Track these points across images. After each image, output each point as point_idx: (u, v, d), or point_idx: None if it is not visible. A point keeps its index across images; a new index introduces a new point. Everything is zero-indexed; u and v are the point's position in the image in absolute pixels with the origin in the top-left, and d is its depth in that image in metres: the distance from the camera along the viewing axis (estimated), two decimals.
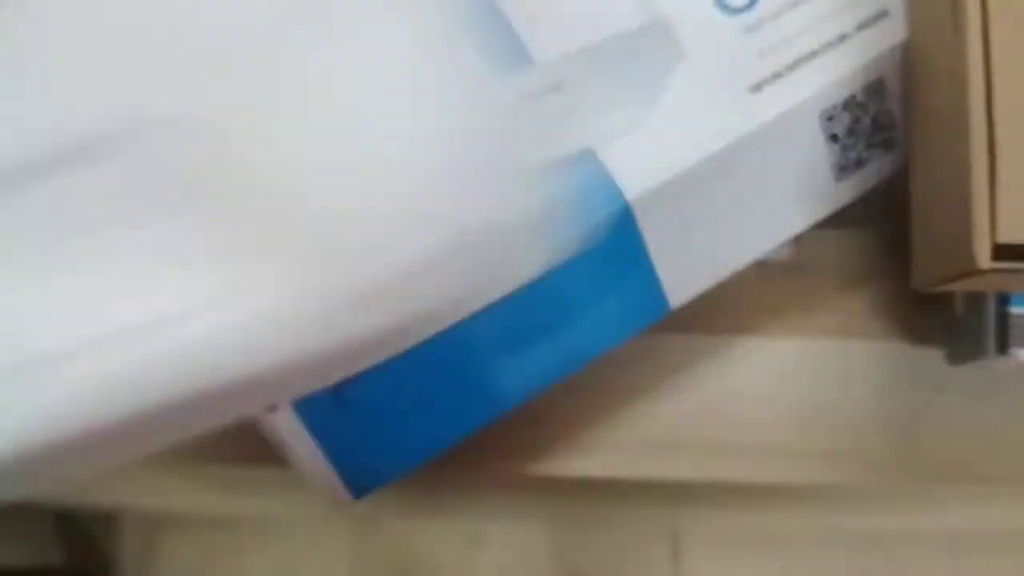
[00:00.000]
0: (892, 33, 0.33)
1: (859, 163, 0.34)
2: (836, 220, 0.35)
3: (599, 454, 0.36)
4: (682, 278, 0.33)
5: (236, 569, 0.47)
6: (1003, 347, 0.34)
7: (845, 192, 0.35)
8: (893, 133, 0.34)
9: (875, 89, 0.33)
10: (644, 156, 0.31)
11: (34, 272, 0.21)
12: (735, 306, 0.37)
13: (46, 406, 0.20)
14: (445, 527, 0.38)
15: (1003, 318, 0.34)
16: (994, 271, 0.28)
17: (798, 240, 0.35)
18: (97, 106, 0.22)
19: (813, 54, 0.33)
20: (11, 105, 0.22)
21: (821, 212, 0.35)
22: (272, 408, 0.29)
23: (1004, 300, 0.34)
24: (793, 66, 0.33)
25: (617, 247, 0.32)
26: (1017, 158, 0.27)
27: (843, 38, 0.33)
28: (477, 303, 0.27)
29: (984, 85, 0.27)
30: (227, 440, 0.37)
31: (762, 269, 0.37)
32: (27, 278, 0.21)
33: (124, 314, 0.20)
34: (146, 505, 0.40)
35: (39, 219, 0.21)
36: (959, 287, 0.31)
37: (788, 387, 0.37)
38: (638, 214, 0.31)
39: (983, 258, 0.28)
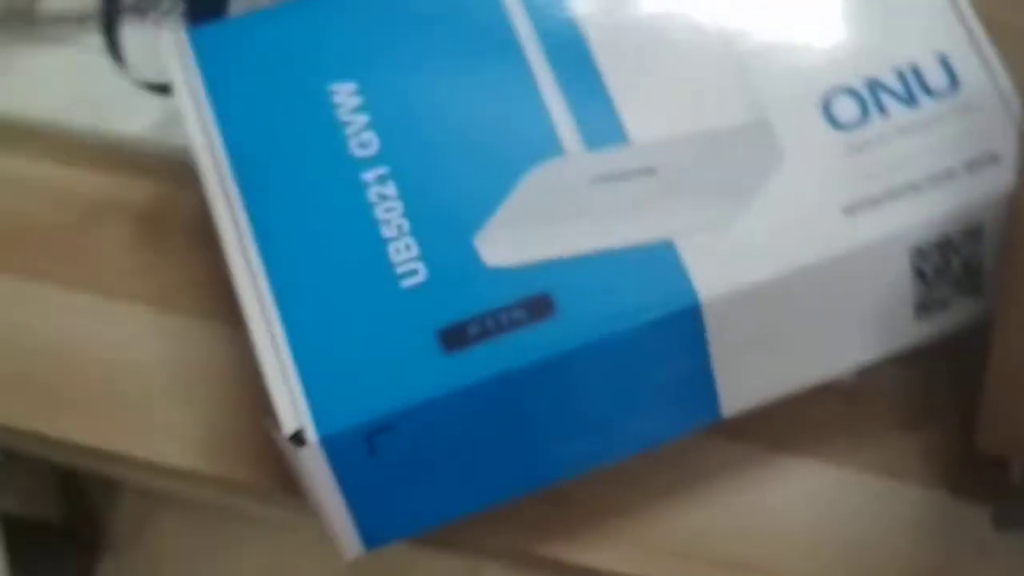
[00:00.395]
0: (999, 180, 0.32)
1: (942, 305, 0.33)
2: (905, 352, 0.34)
3: (617, 547, 0.35)
4: (740, 388, 0.32)
5: (234, 558, 0.46)
6: None
7: (922, 331, 0.33)
8: (982, 281, 0.33)
9: (972, 233, 0.32)
10: (724, 259, 0.31)
11: None
12: (785, 421, 0.36)
13: None
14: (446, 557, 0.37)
15: None
16: None
17: (863, 368, 0.34)
18: None
19: (915, 186, 0.32)
20: None
21: (894, 346, 0.33)
22: None
23: None
24: (893, 194, 0.32)
25: (680, 345, 0.31)
26: None
27: (949, 175, 0.32)
28: None
29: None
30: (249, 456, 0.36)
31: (820, 390, 0.36)
32: None
33: None
34: (149, 480, 0.39)
35: None
36: None
37: (821, 516, 0.36)
38: (707, 316, 0.30)
39: None
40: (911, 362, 0.36)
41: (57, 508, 0.77)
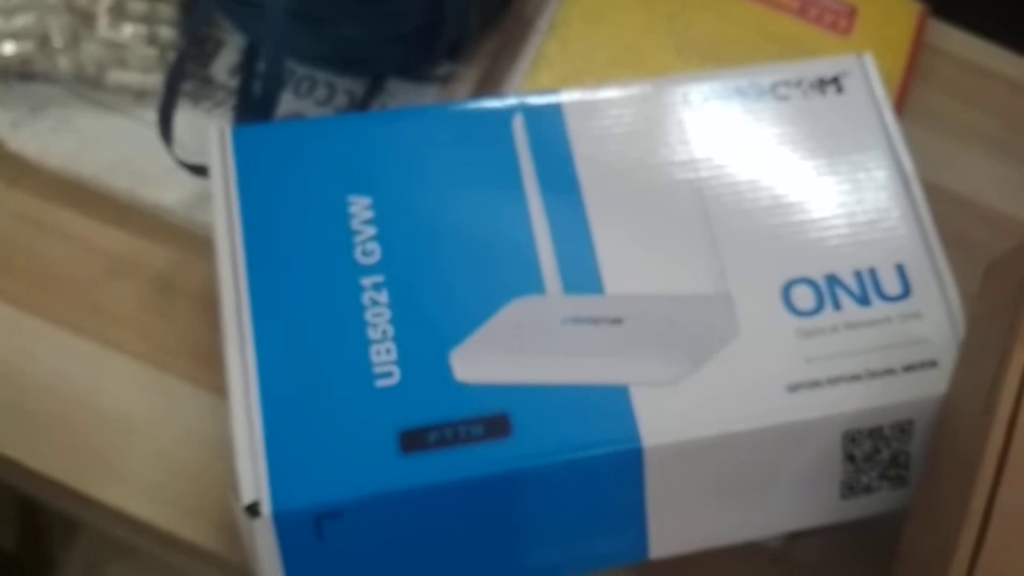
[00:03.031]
0: (935, 385, 0.35)
1: (867, 489, 0.36)
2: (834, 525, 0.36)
3: None
4: (670, 535, 0.34)
5: None
6: None
7: (847, 511, 0.36)
8: (907, 473, 0.36)
9: (902, 428, 0.35)
10: (671, 412, 0.33)
11: None
12: (712, 572, 0.38)
13: None
14: None
15: None
16: None
17: (791, 534, 0.37)
18: None
19: (855, 377, 0.35)
20: None
21: (819, 521, 0.36)
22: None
23: None
24: (834, 381, 0.34)
25: (620, 484, 0.33)
26: (1002, 553, 0.29)
27: (888, 372, 0.35)
28: None
29: (992, 478, 0.29)
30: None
31: (750, 548, 0.38)
32: None
33: None
34: (110, 527, 0.41)
35: None
36: None
37: None
38: (647, 461, 0.33)
39: None
40: (840, 535, 0.39)
41: (13, 539, 0.77)
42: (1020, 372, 0.30)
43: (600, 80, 0.44)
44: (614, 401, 0.33)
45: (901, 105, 0.46)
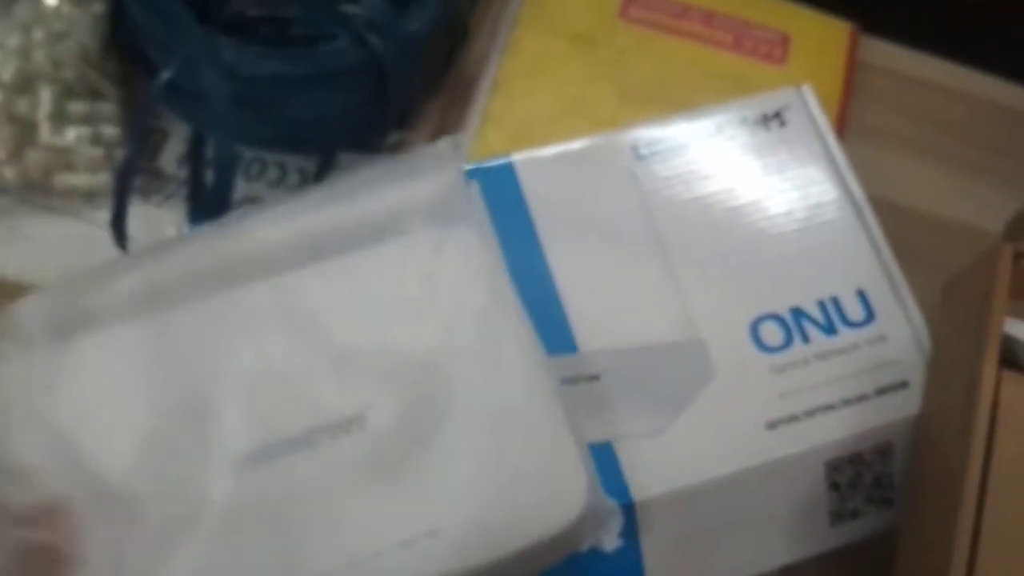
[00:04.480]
0: (909, 404, 0.36)
1: (854, 514, 0.36)
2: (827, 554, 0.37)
3: None
4: None
5: None
6: None
7: (837, 537, 0.36)
8: (892, 494, 0.36)
9: (882, 451, 0.36)
10: (657, 463, 0.34)
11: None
12: None
13: None
14: None
15: None
16: None
17: (784, 567, 0.37)
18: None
19: (831, 407, 0.35)
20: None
21: (811, 551, 0.36)
22: None
23: None
24: (810, 413, 0.35)
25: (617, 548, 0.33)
26: (996, 569, 0.29)
27: (862, 399, 0.36)
28: None
29: (977, 499, 0.29)
30: None
31: None
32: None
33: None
34: None
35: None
36: None
37: None
38: (639, 515, 0.33)
39: None
40: (833, 559, 0.39)
41: None
42: (991, 391, 0.31)
43: (548, 134, 0.45)
44: (600, 458, 0.34)
45: (842, 125, 0.47)
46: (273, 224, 0.33)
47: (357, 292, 0.32)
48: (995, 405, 0.31)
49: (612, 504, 0.32)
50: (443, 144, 0.35)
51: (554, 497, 0.30)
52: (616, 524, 0.33)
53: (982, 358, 0.32)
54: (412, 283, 0.32)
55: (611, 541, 0.33)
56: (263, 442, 0.30)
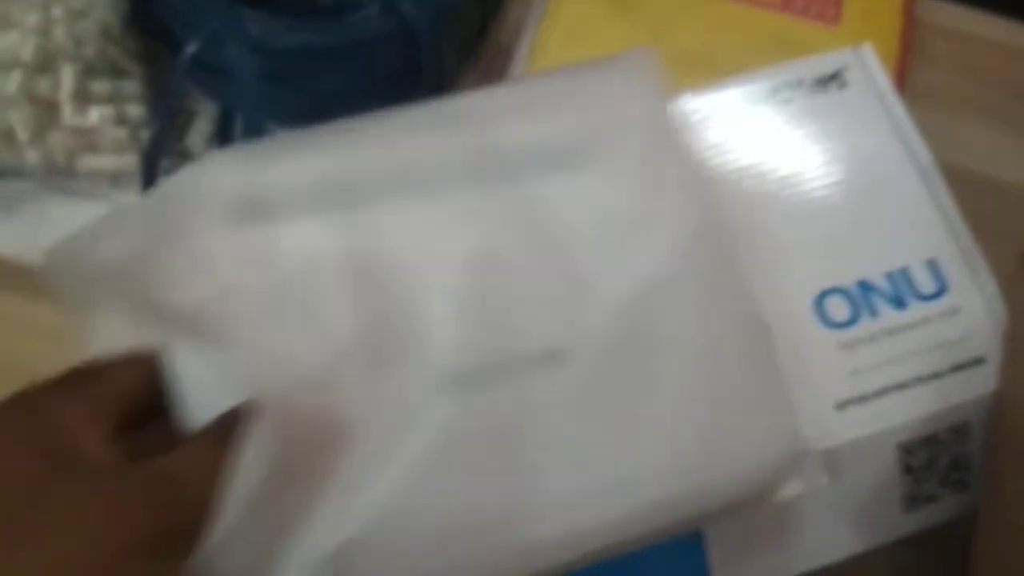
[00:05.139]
0: (985, 381, 0.33)
1: (930, 499, 0.34)
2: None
3: None
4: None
5: None
6: None
7: (911, 523, 0.34)
8: (969, 476, 0.34)
9: (958, 431, 0.33)
10: None
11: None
12: None
13: None
14: None
15: None
16: None
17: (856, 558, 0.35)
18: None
19: (903, 385, 0.33)
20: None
21: (885, 538, 0.34)
22: None
23: None
24: (881, 393, 0.33)
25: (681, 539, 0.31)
26: None
27: (936, 376, 0.33)
28: None
29: None
30: None
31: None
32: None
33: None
34: None
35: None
36: None
37: None
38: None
39: None
40: (904, 551, 0.37)
41: None
42: None
43: None
44: None
45: (901, 88, 0.45)
46: (493, 121, 0.30)
47: (590, 211, 0.29)
48: None
49: (807, 445, 0.30)
50: (638, 55, 0.32)
51: (767, 436, 0.29)
52: (810, 466, 0.31)
53: None
54: (630, 208, 0.30)
55: (798, 487, 0.31)
56: (472, 364, 0.28)
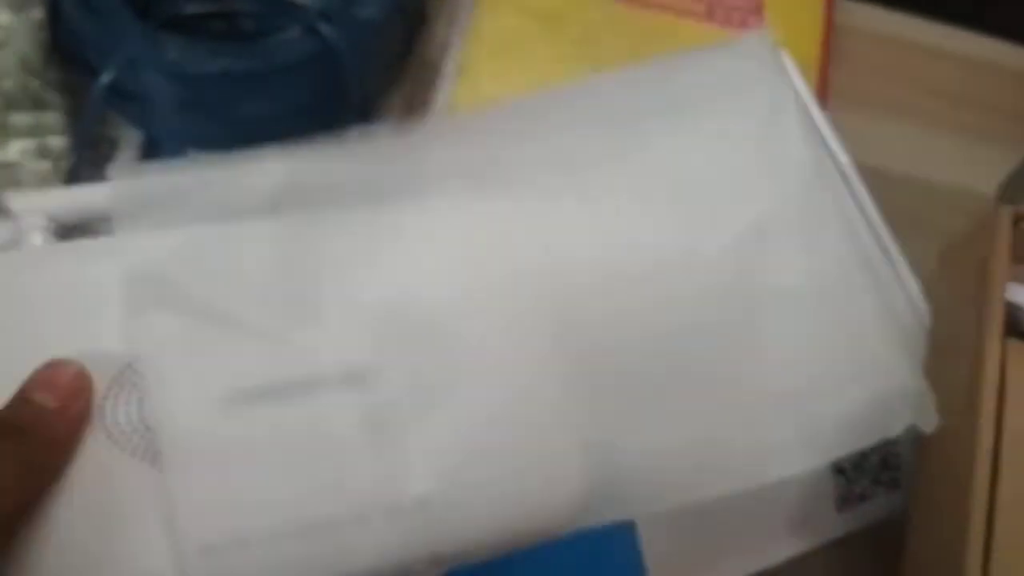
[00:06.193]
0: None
1: (862, 498, 0.34)
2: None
3: None
4: None
5: None
6: None
7: (845, 524, 0.34)
8: (899, 475, 0.35)
9: None
10: None
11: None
12: None
13: None
14: None
15: None
16: None
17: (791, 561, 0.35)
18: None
19: None
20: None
21: (819, 539, 0.34)
22: None
23: None
24: None
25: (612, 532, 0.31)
26: (1014, 545, 0.27)
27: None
28: None
29: (989, 475, 0.28)
30: None
31: None
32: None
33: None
34: None
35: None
36: None
37: None
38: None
39: None
40: (838, 553, 0.37)
41: None
42: (997, 362, 0.29)
43: None
44: None
45: (824, 92, 0.45)
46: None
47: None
48: (1002, 377, 0.29)
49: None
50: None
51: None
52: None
53: (985, 328, 0.30)
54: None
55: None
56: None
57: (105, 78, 0.36)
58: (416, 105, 0.44)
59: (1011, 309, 0.31)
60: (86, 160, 0.40)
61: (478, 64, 0.44)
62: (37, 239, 0.30)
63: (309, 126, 0.41)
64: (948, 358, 0.33)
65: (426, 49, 0.46)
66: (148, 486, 0.25)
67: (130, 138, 0.42)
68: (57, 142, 0.42)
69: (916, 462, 0.34)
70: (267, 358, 0.27)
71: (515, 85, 0.44)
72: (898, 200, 0.38)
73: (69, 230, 0.31)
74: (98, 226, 0.31)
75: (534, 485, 0.28)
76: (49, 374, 0.26)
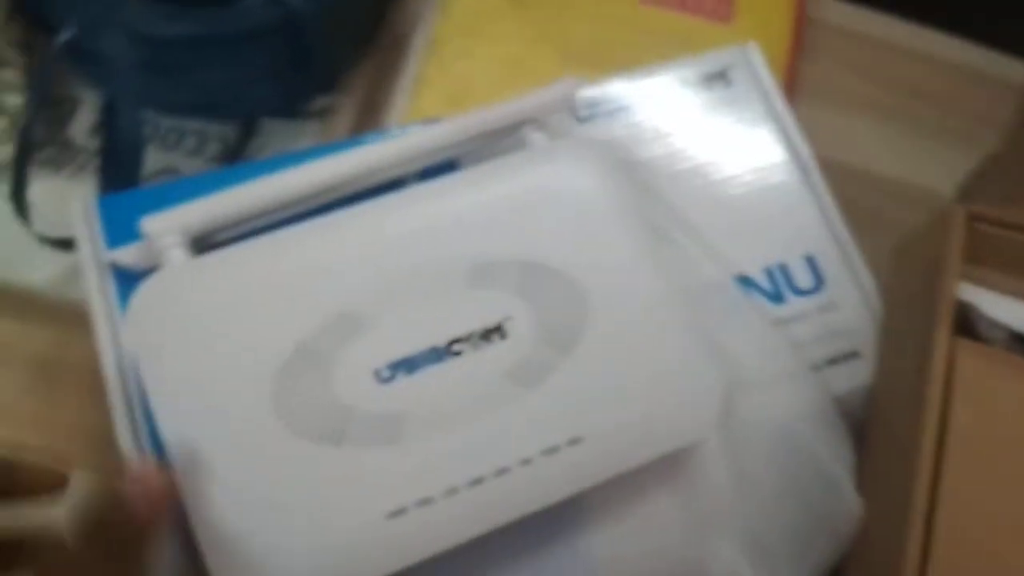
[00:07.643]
0: (860, 375, 0.34)
1: None
2: None
3: None
4: None
5: None
6: None
7: None
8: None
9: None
10: None
11: None
12: None
13: None
14: None
15: None
16: None
17: None
18: None
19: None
20: None
21: None
22: None
23: None
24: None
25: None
26: (952, 545, 0.28)
27: (812, 369, 0.34)
28: None
29: (932, 468, 0.28)
30: None
31: None
32: None
33: None
34: None
35: None
36: None
37: None
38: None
39: None
40: None
41: None
42: (945, 360, 0.29)
43: (487, 96, 0.42)
44: None
45: (791, 85, 0.45)
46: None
47: (494, 205, 0.32)
48: (949, 375, 0.30)
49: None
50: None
51: (693, 399, 0.30)
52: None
53: (934, 325, 0.30)
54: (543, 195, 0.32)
55: None
56: (405, 353, 0.29)
57: (63, 36, 0.36)
58: (384, 79, 0.44)
59: (961, 308, 0.31)
60: (43, 118, 0.40)
61: (449, 41, 0.44)
62: (179, 255, 0.31)
63: (270, 94, 0.41)
64: (898, 355, 0.33)
65: (397, 23, 0.46)
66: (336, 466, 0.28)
67: (91, 99, 0.42)
68: (14, 100, 0.41)
69: (862, 457, 0.34)
70: (411, 329, 0.29)
71: (485, 64, 0.44)
72: (861, 196, 0.38)
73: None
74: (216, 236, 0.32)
75: (682, 399, 0.30)
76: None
